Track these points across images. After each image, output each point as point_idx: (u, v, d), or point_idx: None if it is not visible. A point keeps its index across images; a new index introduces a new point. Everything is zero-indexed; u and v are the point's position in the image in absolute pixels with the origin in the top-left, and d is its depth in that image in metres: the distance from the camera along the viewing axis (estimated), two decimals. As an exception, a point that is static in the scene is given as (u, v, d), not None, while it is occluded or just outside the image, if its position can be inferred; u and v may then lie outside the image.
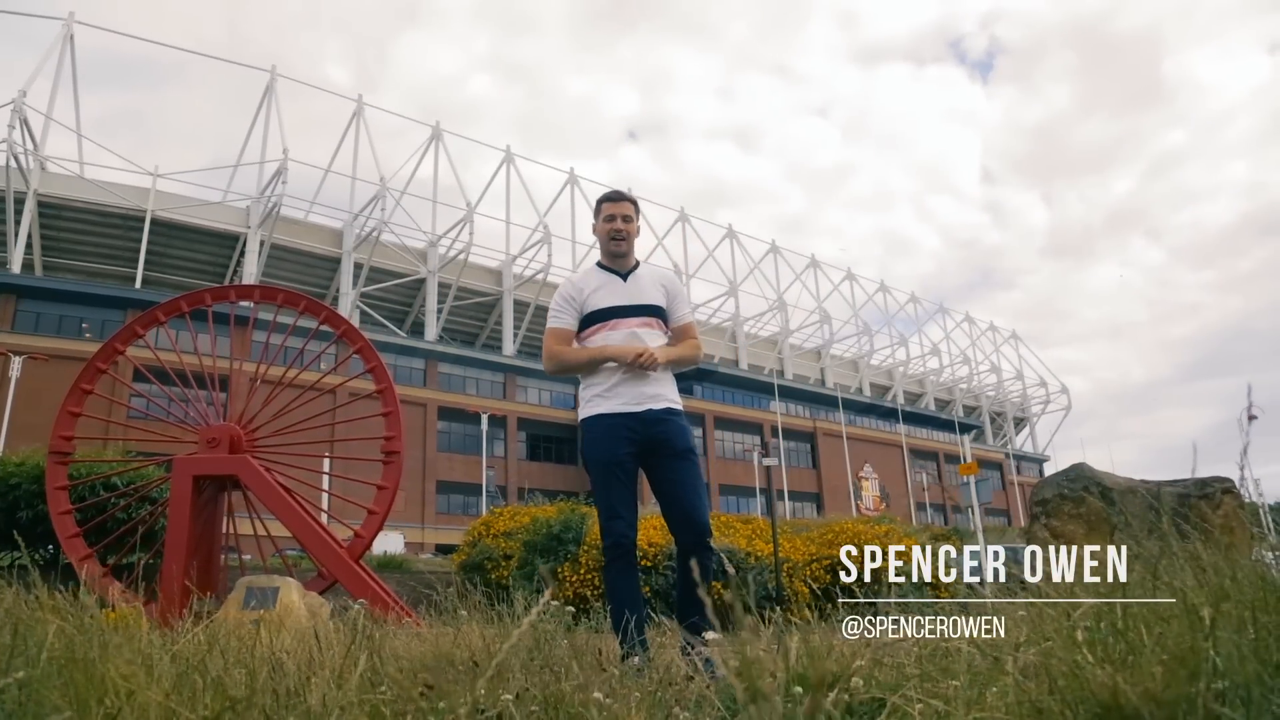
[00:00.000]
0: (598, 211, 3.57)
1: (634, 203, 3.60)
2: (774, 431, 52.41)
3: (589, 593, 10.48)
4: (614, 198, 3.56)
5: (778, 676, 1.55)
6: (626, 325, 3.36)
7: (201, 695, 1.14)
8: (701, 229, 61.50)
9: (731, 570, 2.54)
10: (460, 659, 1.72)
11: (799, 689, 1.51)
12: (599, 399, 3.35)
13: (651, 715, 1.40)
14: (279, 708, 1.17)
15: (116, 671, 1.13)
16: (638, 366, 3.25)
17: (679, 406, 3.41)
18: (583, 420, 3.40)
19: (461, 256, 49.27)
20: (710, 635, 2.54)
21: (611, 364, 3.34)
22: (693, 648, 2.56)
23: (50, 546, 11.19)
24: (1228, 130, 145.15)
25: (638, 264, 3.55)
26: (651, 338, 3.39)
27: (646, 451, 3.31)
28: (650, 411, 3.30)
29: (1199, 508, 4.20)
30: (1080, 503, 4.50)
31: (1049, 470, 72.93)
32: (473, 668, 1.31)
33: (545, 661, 1.70)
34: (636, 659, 2.67)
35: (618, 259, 3.51)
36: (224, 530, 9.68)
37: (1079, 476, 4.68)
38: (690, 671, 1.86)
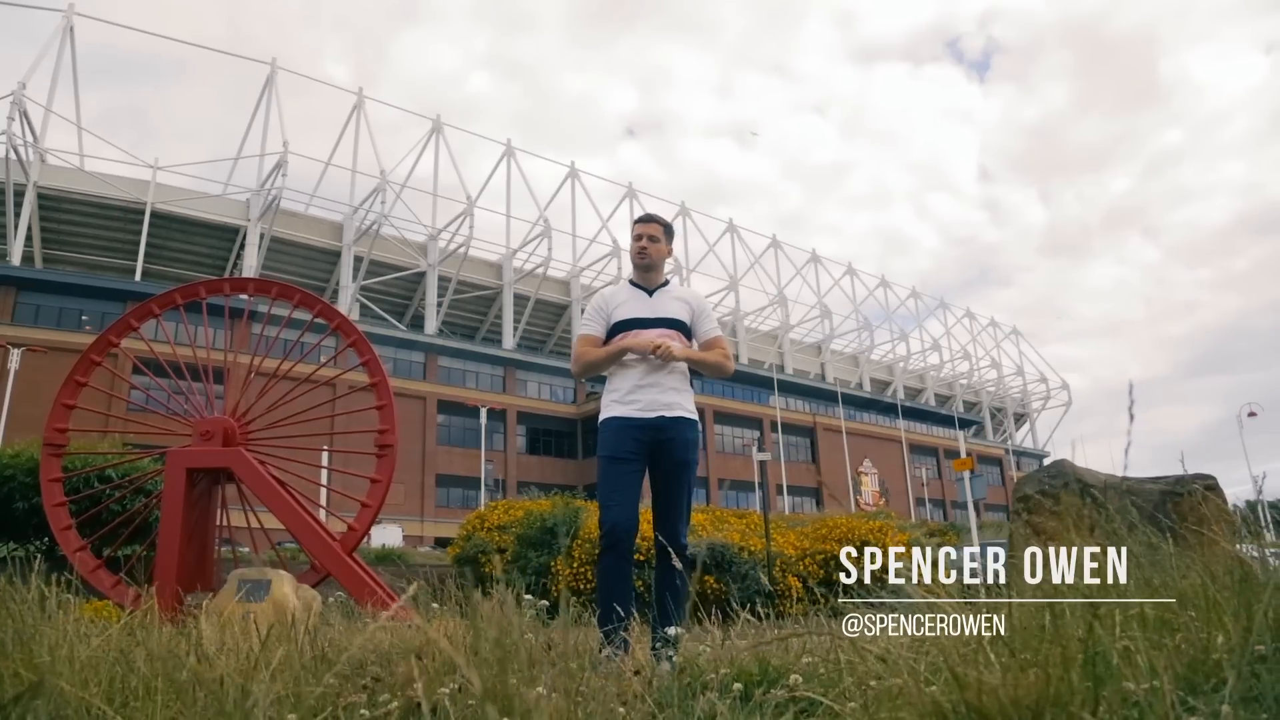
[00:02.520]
0: (632, 233, 3.79)
1: (663, 225, 3.80)
2: (774, 426, 52.42)
3: (582, 586, 10.52)
4: (644, 219, 3.80)
5: (720, 672, 1.57)
6: (647, 336, 3.51)
7: (118, 685, 1.16)
8: (702, 223, 61.50)
9: (679, 565, 2.56)
10: (419, 651, 1.73)
11: (739, 685, 1.53)
12: (616, 404, 3.51)
13: (589, 711, 1.42)
14: (204, 698, 1.19)
15: (20, 659, 1.15)
16: (653, 356, 3.40)
17: (691, 417, 3.53)
18: (599, 422, 3.57)
19: (462, 250, 49.25)
20: (671, 630, 2.58)
21: (630, 370, 3.49)
22: (660, 645, 2.58)
23: (46, 538, 11.22)
24: (1224, 130, 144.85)
25: (667, 282, 3.76)
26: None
27: (652, 456, 3.45)
28: (662, 419, 3.44)
29: (1179, 505, 4.22)
30: (1060, 499, 4.53)
31: (1049, 466, 72.89)
32: (416, 661, 1.33)
33: (500, 655, 1.72)
34: (607, 652, 2.70)
35: (646, 274, 3.71)
36: (218, 523, 9.70)
37: (1059, 473, 4.70)
38: (639, 668, 1.88)
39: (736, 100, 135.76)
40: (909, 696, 1.14)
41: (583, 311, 3.89)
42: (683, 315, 3.61)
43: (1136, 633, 1.39)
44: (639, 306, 3.61)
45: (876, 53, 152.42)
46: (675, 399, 3.48)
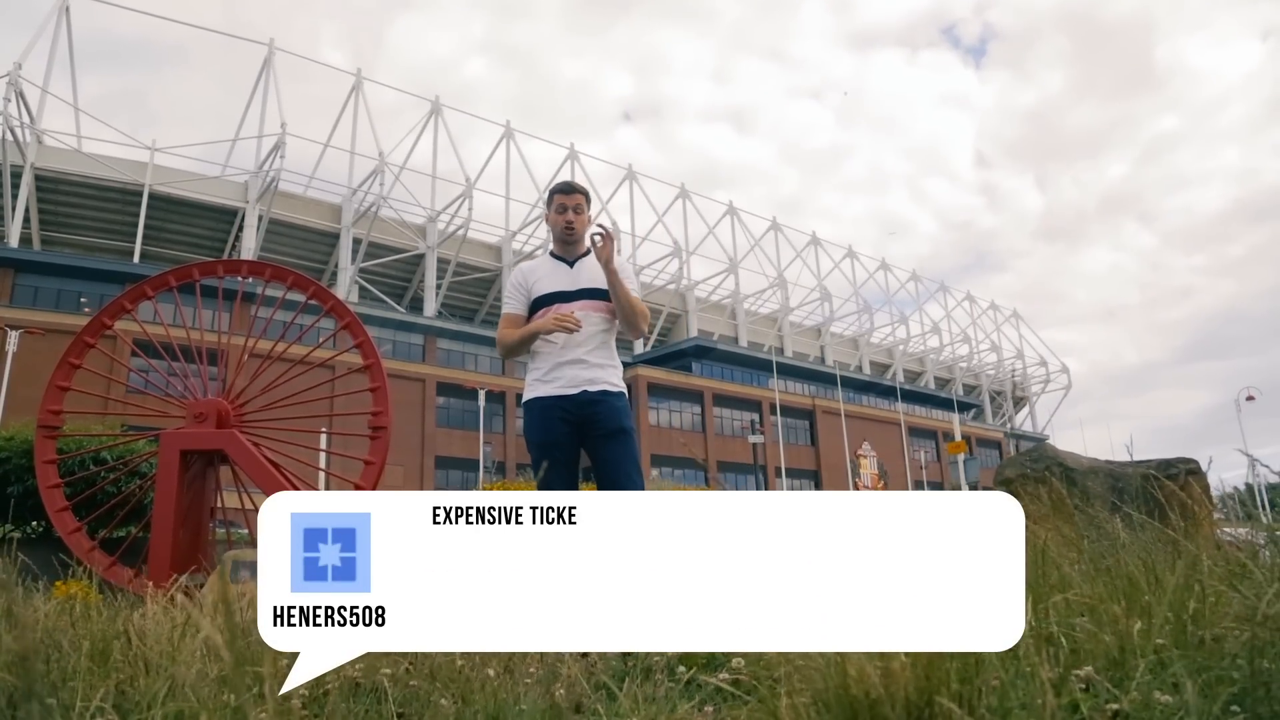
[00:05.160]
0: (550, 201, 3.59)
1: (585, 194, 3.63)
2: (773, 409, 52.47)
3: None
4: (565, 189, 3.58)
5: (666, 654, 1.58)
6: (568, 309, 3.39)
7: (49, 668, 1.17)
8: (702, 206, 61.27)
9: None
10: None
11: (682, 667, 1.54)
12: (537, 383, 3.42)
13: (529, 693, 1.43)
14: (133, 680, 1.20)
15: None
16: (562, 330, 3.27)
17: (616, 389, 3.43)
18: (523, 404, 3.48)
19: (461, 232, 49.14)
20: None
21: (551, 346, 3.39)
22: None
23: (41, 520, 11.25)
24: (1220, 116, 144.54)
25: (588, 250, 3.58)
26: (591, 321, 3.41)
27: (583, 433, 3.36)
28: (585, 393, 3.34)
29: (1162, 489, 4.22)
30: (1042, 483, 4.54)
31: (1048, 449, 73.07)
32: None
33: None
34: None
35: (567, 247, 3.58)
36: (213, 504, 9.73)
37: (1041, 456, 4.71)
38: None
39: (733, 85, 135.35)
40: (802, 683, 1.15)
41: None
42: (604, 283, 3.47)
43: (1078, 620, 1.40)
44: (560, 279, 3.50)
45: (873, 39, 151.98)
46: (598, 374, 3.38)
